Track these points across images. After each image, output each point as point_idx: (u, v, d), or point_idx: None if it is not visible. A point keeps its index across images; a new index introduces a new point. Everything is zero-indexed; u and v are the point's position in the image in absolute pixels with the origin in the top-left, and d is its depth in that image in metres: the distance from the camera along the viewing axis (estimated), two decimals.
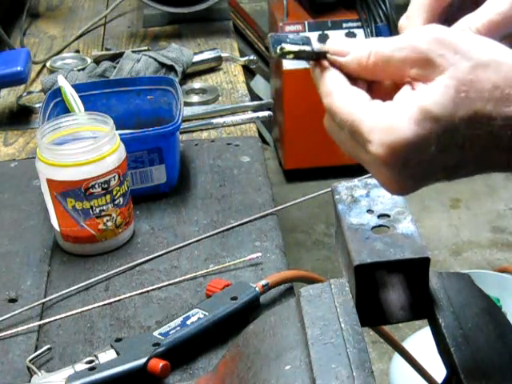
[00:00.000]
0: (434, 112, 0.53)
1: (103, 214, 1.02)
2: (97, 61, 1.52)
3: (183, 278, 0.99)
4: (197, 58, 1.54)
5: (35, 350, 0.89)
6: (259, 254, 1.01)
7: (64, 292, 0.98)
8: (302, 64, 2.65)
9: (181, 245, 1.06)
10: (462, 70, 0.53)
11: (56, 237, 1.06)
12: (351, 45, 0.58)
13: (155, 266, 1.03)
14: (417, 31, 0.56)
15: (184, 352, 0.87)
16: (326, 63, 0.59)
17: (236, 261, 1.01)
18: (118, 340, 0.85)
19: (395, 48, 0.56)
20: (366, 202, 0.68)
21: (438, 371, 0.73)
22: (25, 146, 1.34)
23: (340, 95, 0.58)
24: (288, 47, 0.58)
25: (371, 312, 0.64)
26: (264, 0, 3.44)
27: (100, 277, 1.00)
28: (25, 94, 1.49)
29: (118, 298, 0.97)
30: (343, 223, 0.66)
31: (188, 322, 0.88)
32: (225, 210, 1.13)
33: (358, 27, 2.97)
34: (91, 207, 1.01)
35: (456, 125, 0.53)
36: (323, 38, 2.83)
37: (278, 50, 0.58)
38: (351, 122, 0.56)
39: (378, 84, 0.60)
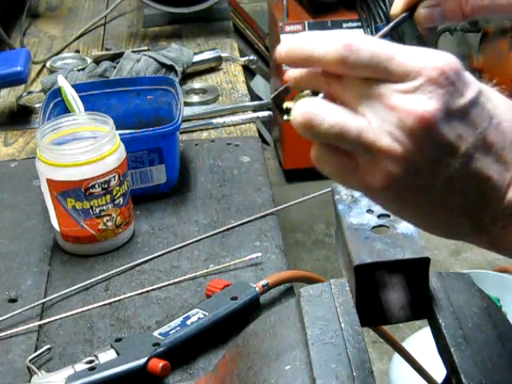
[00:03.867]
0: None
1: (103, 213, 1.02)
2: (97, 61, 1.52)
3: (183, 277, 0.99)
4: (197, 58, 1.54)
5: (35, 350, 0.89)
6: (259, 254, 1.01)
7: (64, 292, 0.98)
8: None
9: (181, 245, 1.06)
10: None
11: (56, 237, 1.06)
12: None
13: (155, 266, 1.03)
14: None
15: (184, 352, 0.87)
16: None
17: (236, 261, 1.01)
18: (118, 340, 0.85)
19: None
20: (366, 201, 0.68)
21: (438, 371, 0.73)
22: (25, 146, 1.34)
23: (364, 38, 0.50)
24: (291, 104, 0.54)
25: (371, 312, 0.64)
26: (264, 0, 3.44)
27: (100, 277, 1.00)
28: (25, 93, 1.49)
29: (118, 298, 0.97)
30: (343, 223, 0.66)
31: (188, 322, 0.88)
32: (225, 209, 1.13)
33: (358, 27, 2.97)
34: (91, 207, 1.01)
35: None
36: None
37: (287, 117, 0.54)
38: (385, 52, 0.49)
39: None
